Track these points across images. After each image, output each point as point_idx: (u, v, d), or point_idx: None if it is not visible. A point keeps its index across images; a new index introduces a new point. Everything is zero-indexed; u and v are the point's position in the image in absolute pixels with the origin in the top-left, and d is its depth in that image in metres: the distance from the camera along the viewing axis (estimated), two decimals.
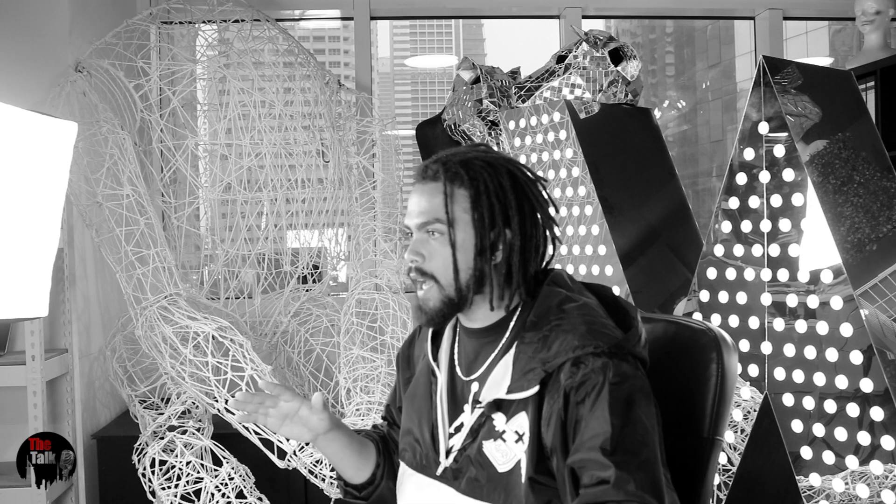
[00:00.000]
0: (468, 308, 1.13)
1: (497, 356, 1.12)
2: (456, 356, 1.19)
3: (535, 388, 1.04)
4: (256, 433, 2.09)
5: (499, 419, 1.08)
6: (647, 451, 1.00)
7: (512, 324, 1.13)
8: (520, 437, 1.05)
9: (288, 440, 2.06)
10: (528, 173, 1.15)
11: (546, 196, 1.15)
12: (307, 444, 2.08)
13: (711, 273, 1.91)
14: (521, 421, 1.06)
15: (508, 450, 1.06)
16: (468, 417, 1.11)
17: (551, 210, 1.15)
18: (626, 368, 1.03)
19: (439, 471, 1.13)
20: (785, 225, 1.75)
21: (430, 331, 1.24)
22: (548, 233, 1.14)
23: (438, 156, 1.15)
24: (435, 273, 1.11)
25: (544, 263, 1.16)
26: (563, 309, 1.09)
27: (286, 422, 1.19)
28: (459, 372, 1.17)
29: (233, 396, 2.08)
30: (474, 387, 1.13)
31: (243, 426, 2.10)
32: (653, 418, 1.04)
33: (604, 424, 0.99)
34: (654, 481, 0.99)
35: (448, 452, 1.13)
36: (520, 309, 1.14)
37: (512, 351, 1.10)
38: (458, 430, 1.13)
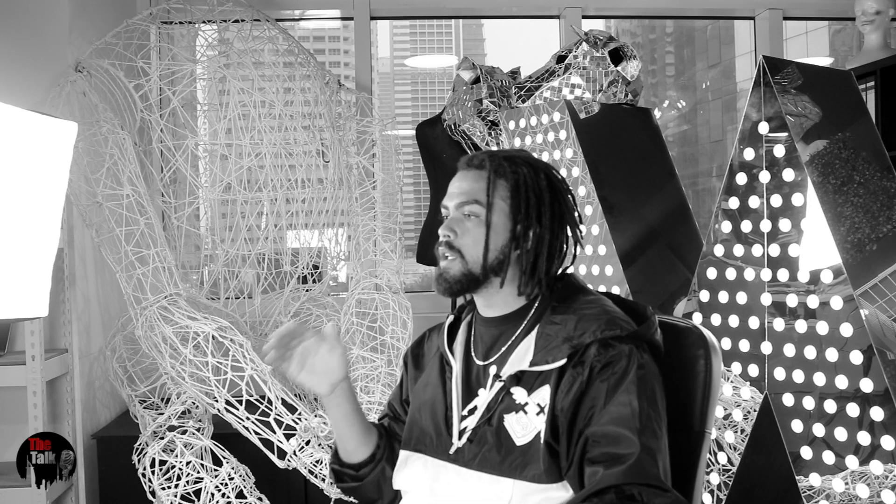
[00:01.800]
0: (488, 290, 1.19)
1: (518, 338, 1.19)
2: (473, 346, 1.24)
3: (563, 361, 1.11)
4: (256, 433, 2.09)
5: (519, 393, 1.13)
6: (665, 439, 1.07)
7: (534, 309, 1.20)
8: (541, 410, 1.11)
9: (287, 440, 2.06)
10: (563, 181, 1.24)
11: (573, 204, 1.24)
12: (306, 443, 2.08)
13: (711, 273, 1.91)
14: (545, 394, 1.12)
15: (529, 422, 1.11)
16: (484, 397, 1.16)
17: (577, 217, 1.24)
18: (647, 359, 1.11)
19: (452, 450, 1.16)
20: (785, 225, 1.75)
21: (447, 326, 1.29)
22: (572, 237, 1.22)
23: (486, 150, 1.26)
24: (463, 249, 1.18)
25: (566, 265, 1.23)
26: (584, 299, 1.18)
27: (305, 369, 1.20)
28: (475, 358, 1.22)
29: (233, 396, 2.09)
30: (492, 369, 1.19)
31: (243, 426, 2.10)
32: (664, 403, 1.11)
33: (631, 405, 1.05)
34: (667, 470, 1.06)
35: (462, 434, 1.16)
36: (540, 297, 1.20)
37: (534, 332, 1.17)
38: (471, 412, 1.17)
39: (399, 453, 1.26)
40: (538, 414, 1.11)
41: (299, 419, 2.12)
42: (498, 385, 1.15)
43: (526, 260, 1.18)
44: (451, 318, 1.31)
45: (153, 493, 2.22)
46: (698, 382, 1.20)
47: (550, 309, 1.18)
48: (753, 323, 1.83)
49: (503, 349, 1.19)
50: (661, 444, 1.06)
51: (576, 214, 1.23)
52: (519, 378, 1.14)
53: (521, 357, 1.15)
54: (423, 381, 1.28)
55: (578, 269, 2.18)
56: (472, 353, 1.24)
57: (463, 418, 1.18)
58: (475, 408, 1.17)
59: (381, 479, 1.29)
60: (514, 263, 1.18)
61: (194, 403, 2.38)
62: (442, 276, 1.19)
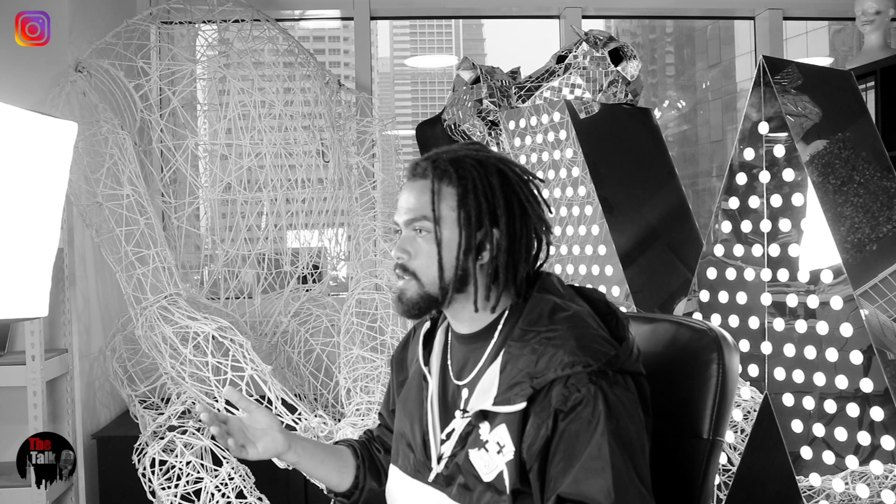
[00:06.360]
0: (453, 307, 1.12)
1: (485, 363, 1.11)
2: (449, 361, 1.18)
3: (523, 405, 1.02)
4: None
5: (484, 429, 1.06)
6: (644, 487, 0.99)
7: (499, 329, 1.11)
8: (501, 449, 1.04)
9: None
10: (521, 173, 1.12)
11: (539, 197, 1.13)
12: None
13: (711, 273, 1.91)
14: (502, 433, 1.04)
15: (490, 460, 1.05)
16: (459, 424, 1.10)
17: (544, 211, 1.13)
18: (618, 393, 1.01)
19: (431, 477, 1.12)
20: (785, 225, 1.75)
21: (422, 334, 1.23)
22: (540, 234, 1.12)
23: (429, 154, 1.14)
24: (417, 271, 1.10)
25: (538, 265, 1.14)
26: (552, 319, 1.06)
27: (250, 442, 1.19)
28: (452, 376, 1.16)
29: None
30: (464, 393, 1.12)
31: None
32: (644, 440, 1.02)
33: (603, 467, 0.97)
34: None
35: (440, 459, 1.12)
36: (507, 314, 1.12)
37: (499, 359, 1.08)
38: (449, 436, 1.11)
39: (389, 465, 1.24)
40: (498, 453, 1.04)
41: (299, 419, 2.12)
42: (467, 418, 1.09)
43: (484, 272, 1.09)
44: (428, 324, 1.24)
45: (153, 493, 2.22)
46: (709, 388, 1.13)
47: (518, 332, 1.07)
48: (753, 323, 1.83)
49: (473, 373, 1.11)
50: (641, 501, 0.98)
51: (542, 209, 1.12)
52: (485, 414, 1.06)
53: (487, 390, 1.07)
54: (405, 393, 1.23)
55: (578, 270, 2.19)
56: (449, 369, 1.17)
57: (442, 442, 1.12)
58: (453, 431, 1.11)
59: (373, 495, 1.28)
60: (473, 276, 1.09)
61: (194, 403, 2.38)
62: (399, 298, 1.11)
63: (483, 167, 1.10)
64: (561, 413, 1.00)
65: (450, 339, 1.19)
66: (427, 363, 1.20)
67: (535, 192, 1.13)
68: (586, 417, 0.99)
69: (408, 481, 1.16)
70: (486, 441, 1.05)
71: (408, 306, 1.11)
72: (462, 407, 1.11)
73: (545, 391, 1.02)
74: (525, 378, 1.03)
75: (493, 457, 1.04)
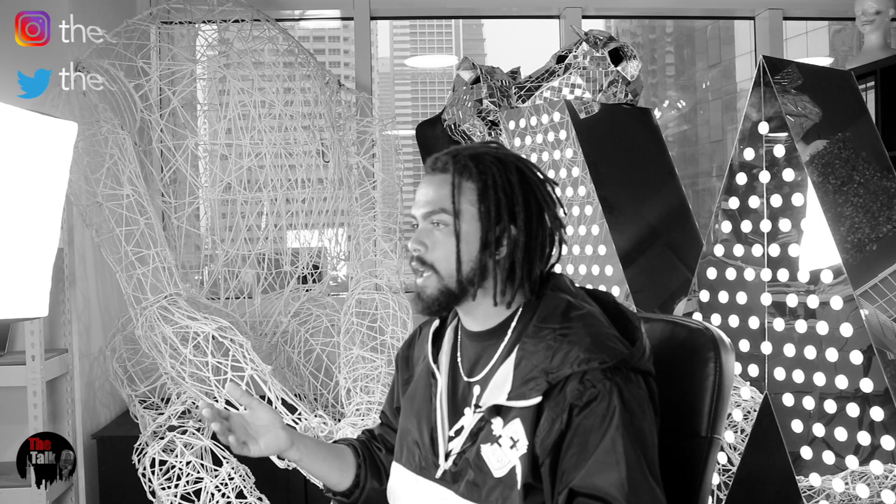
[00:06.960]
0: (468, 303, 1.13)
1: (499, 360, 1.11)
2: (459, 358, 1.18)
3: (538, 399, 1.03)
4: None
5: (497, 424, 1.07)
6: (656, 484, 1.00)
7: (513, 326, 1.12)
8: (514, 444, 1.05)
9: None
10: (538, 173, 1.14)
11: (555, 197, 1.14)
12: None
13: (711, 273, 1.91)
14: (516, 427, 1.05)
15: (503, 455, 1.05)
16: (469, 420, 1.11)
17: (559, 211, 1.14)
18: (632, 390, 1.02)
19: (438, 473, 1.12)
20: (785, 225, 1.75)
21: (431, 333, 1.23)
22: (554, 234, 1.14)
23: (450, 149, 1.15)
24: (435, 263, 1.11)
25: (550, 264, 1.15)
26: (567, 317, 1.08)
27: (252, 440, 1.18)
28: (462, 373, 1.16)
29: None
30: (476, 389, 1.12)
31: None
32: (655, 438, 1.04)
33: (617, 462, 0.98)
34: None
35: (448, 455, 1.12)
36: (521, 311, 1.13)
37: (513, 355, 1.09)
38: (458, 433, 1.12)
39: (390, 465, 1.24)
40: (511, 448, 1.05)
41: (299, 419, 2.12)
42: (479, 414, 1.09)
43: (501, 267, 1.11)
44: (437, 323, 1.24)
45: (153, 493, 2.22)
46: (706, 386, 1.15)
47: (532, 328, 1.09)
48: (753, 323, 1.83)
49: (486, 369, 1.12)
50: (652, 496, 0.99)
51: (558, 209, 1.14)
52: (499, 409, 1.07)
53: (500, 385, 1.08)
54: (412, 390, 1.23)
55: (578, 270, 2.19)
56: (459, 366, 1.17)
57: (450, 439, 1.12)
58: (462, 428, 1.11)
59: (374, 494, 1.28)
60: (491, 271, 1.11)
61: (194, 403, 2.38)
62: (419, 296, 1.12)
63: (503, 164, 1.12)
64: (576, 408, 1.01)
65: (459, 336, 1.20)
66: (436, 361, 1.20)
67: (552, 193, 1.15)
68: (601, 412, 1.00)
69: (412, 478, 1.17)
70: (500, 436, 1.06)
71: (428, 303, 1.12)
72: (474, 403, 1.12)
73: (560, 386, 1.03)
74: (540, 373, 1.04)
75: (507, 451, 1.05)
